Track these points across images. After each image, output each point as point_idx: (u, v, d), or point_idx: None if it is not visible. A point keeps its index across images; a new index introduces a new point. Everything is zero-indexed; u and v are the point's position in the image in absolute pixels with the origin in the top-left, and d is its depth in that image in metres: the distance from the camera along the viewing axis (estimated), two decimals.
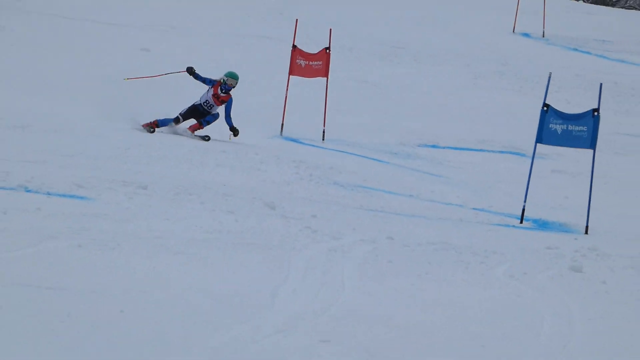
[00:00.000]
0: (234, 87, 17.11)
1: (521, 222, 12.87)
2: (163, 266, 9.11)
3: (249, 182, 14.22)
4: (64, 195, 11.92)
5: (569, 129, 13.05)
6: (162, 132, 16.05)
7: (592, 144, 12.91)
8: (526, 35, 28.69)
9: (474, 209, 13.90)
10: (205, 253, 9.79)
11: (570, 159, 14.24)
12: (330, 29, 17.18)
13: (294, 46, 18.05)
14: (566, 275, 9.85)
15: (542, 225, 12.52)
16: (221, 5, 28.70)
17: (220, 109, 17.30)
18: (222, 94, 17.20)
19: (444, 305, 8.57)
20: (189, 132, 17.03)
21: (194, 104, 17.26)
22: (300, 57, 17.75)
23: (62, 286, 8.02)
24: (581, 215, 12.62)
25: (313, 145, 16.71)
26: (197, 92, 17.07)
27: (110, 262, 9.06)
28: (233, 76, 17.12)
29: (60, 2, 25.15)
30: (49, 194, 11.75)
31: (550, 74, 12.94)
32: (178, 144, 16.30)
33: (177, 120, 17.20)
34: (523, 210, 12.80)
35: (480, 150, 17.35)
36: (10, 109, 17.02)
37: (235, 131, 17.04)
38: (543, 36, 26.39)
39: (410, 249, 10.51)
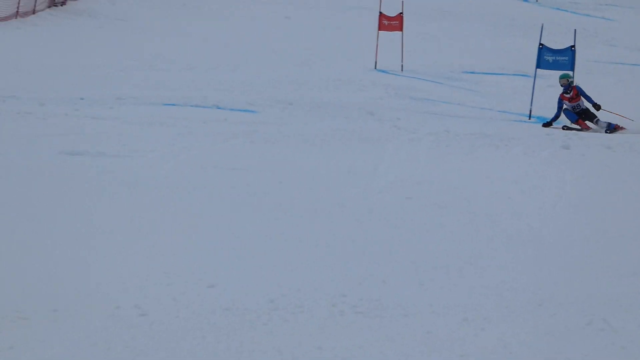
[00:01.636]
0: (566, 85, 13.76)
1: (529, 119, 14.02)
2: (304, 154, 9.98)
3: (356, 98, 15.03)
4: (241, 110, 13.03)
5: (557, 59, 14.53)
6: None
7: (571, 67, 14.28)
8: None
9: (498, 111, 14.86)
10: (330, 144, 10.69)
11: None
12: (403, 1, 17.98)
13: (380, 12, 19.02)
14: (559, 152, 10.72)
15: (542, 120, 13.48)
16: None
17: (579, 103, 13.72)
18: (566, 95, 13.46)
19: (483, 173, 9.35)
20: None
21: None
22: (384, 19, 18.96)
23: (243, 167, 8.94)
24: None
25: (396, 74, 17.19)
26: None
27: (271, 152, 10.01)
28: (562, 77, 14.06)
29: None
30: (231, 110, 13.06)
31: (542, 24, 14.41)
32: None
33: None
34: (530, 111, 13.99)
35: (502, 74, 18.06)
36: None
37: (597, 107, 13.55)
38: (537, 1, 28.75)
39: (460, 137, 11.50)
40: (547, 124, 13.62)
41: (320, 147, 10.44)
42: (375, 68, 18.56)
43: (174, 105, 13.11)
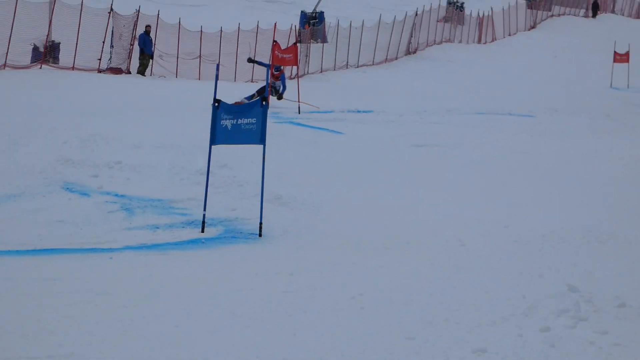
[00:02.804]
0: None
1: None
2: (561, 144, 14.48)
3: None
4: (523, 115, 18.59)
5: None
6: None
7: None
8: None
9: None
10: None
11: None
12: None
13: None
14: None
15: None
16: None
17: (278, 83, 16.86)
18: (275, 72, 16.57)
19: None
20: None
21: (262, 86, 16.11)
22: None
23: (528, 151, 13.91)
24: None
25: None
26: None
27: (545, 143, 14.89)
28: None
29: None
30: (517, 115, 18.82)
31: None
32: None
33: (252, 97, 15.28)
34: None
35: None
36: None
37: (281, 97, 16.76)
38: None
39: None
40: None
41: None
42: None
43: (482, 114, 18.31)
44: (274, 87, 16.49)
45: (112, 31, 19.95)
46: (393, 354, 4.40)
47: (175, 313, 5.00)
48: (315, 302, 5.40)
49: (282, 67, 17.08)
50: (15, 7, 17.59)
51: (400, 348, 4.52)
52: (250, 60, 17.92)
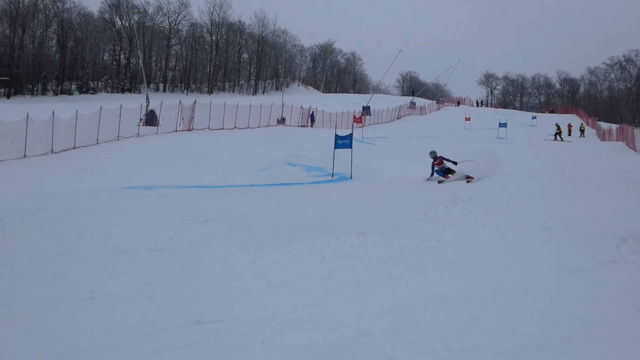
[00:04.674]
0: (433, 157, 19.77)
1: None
2: None
3: None
4: None
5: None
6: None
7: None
8: None
9: None
10: None
11: None
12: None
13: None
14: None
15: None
16: None
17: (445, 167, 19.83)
18: (435, 162, 19.57)
19: None
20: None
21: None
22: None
23: None
24: None
25: None
26: None
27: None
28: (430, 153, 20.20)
29: None
30: None
31: None
32: None
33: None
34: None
35: None
36: None
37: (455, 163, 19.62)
38: None
39: None
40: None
41: None
42: None
43: None
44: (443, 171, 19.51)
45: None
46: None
47: (327, 204, 18.68)
48: (382, 193, 18.27)
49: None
50: None
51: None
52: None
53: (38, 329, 6.41)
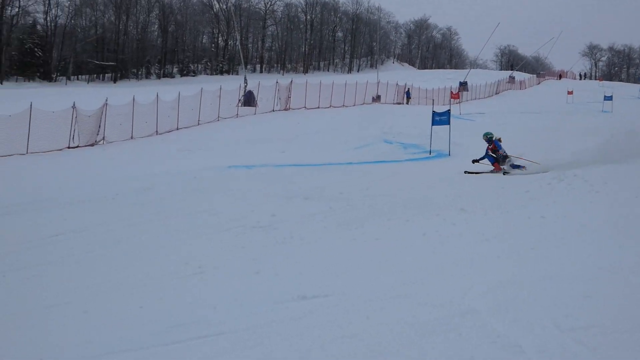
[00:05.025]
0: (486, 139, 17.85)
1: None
2: None
3: None
4: None
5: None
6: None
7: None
8: None
9: None
10: None
11: None
12: None
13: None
14: None
15: None
16: None
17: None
18: (490, 146, 17.56)
19: None
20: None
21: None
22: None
23: None
24: None
25: None
26: None
27: None
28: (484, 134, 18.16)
29: None
30: None
31: None
32: None
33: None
34: None
35: None
36: None
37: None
38: None
39: None
40: (475, 161, 17.29)
41: None
42: None
43: None
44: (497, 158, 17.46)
45: None
46: None
47: (426, 181, 18.14)
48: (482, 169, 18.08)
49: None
50: None
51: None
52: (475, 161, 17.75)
53: (153, 301, 6.73)
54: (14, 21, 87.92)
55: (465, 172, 16.84)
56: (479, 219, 9.83)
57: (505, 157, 17.01)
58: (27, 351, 5.64)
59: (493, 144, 17.28)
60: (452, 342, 5.10)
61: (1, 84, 79.05)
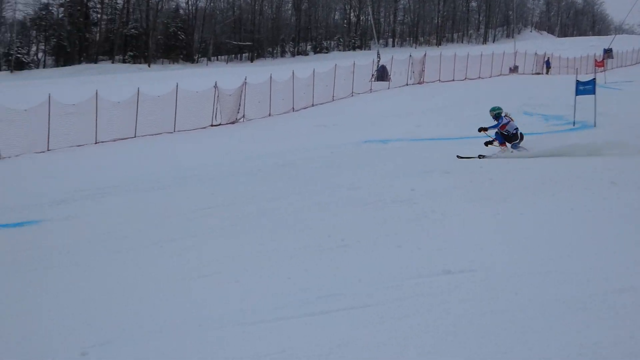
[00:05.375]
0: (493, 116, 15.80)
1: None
2: None
3: None
4: None
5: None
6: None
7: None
8: None
9: None
10: None
11: None
12: None
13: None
14: None
15: None
16: None
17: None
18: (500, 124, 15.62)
19: None
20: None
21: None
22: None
23: None
24: None
25: None
26: None
27: None
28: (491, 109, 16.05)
29: None
30: None
31: None
32: None
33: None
34: None
35: None
36: None
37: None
38: None
39: None
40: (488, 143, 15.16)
41: None
42: None
43: None
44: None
45: None
46: None
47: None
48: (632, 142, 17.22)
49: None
50: None
51: None
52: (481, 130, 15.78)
53: (299, 272, 6.95)
54: (159, 7, 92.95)
55: (457, 156, 14.86)
56: (632, 194, 9.26)
57: (517, 135, 15.36)
58: (187, 318, 6.02)
59: (503, 123, 15.26)
60: (606, 320, 4.88)
61: (149, 66, 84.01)
